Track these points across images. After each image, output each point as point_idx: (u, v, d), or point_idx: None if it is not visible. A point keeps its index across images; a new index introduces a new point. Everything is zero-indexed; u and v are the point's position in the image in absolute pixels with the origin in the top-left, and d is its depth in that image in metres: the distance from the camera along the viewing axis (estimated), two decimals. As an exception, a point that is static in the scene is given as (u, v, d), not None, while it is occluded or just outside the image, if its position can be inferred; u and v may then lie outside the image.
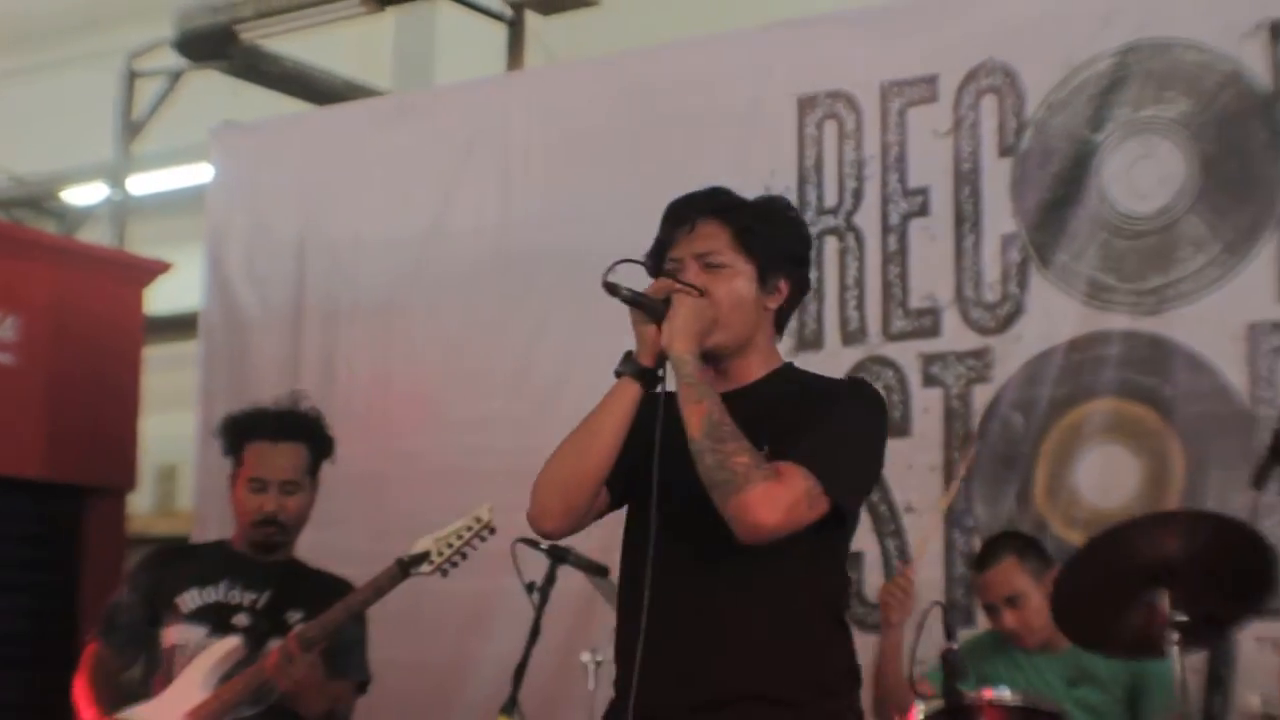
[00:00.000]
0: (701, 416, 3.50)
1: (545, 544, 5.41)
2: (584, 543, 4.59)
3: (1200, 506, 5.79)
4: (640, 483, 3.63)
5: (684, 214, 3.75)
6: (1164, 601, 4.69)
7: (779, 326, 3.84)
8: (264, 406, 5.58)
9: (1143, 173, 6.06)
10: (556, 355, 7.01)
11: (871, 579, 6.30)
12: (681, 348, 3.56)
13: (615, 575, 5.83)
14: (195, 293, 8.13)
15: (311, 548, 5.58)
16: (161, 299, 8.32)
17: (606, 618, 6.20)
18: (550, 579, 5.49)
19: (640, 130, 7.02)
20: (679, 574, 3.59)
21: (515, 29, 8.37)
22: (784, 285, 3.77)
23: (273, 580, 5.34)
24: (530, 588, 5.45)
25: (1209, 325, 5.92)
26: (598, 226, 6.86)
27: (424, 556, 5.17)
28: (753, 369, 3.77)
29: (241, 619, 5.27)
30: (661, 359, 3.61)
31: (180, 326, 8.61)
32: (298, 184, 7.88)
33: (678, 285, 3.61)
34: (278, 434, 5.37)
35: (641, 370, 3.64)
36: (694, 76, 6.98)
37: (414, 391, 7.44)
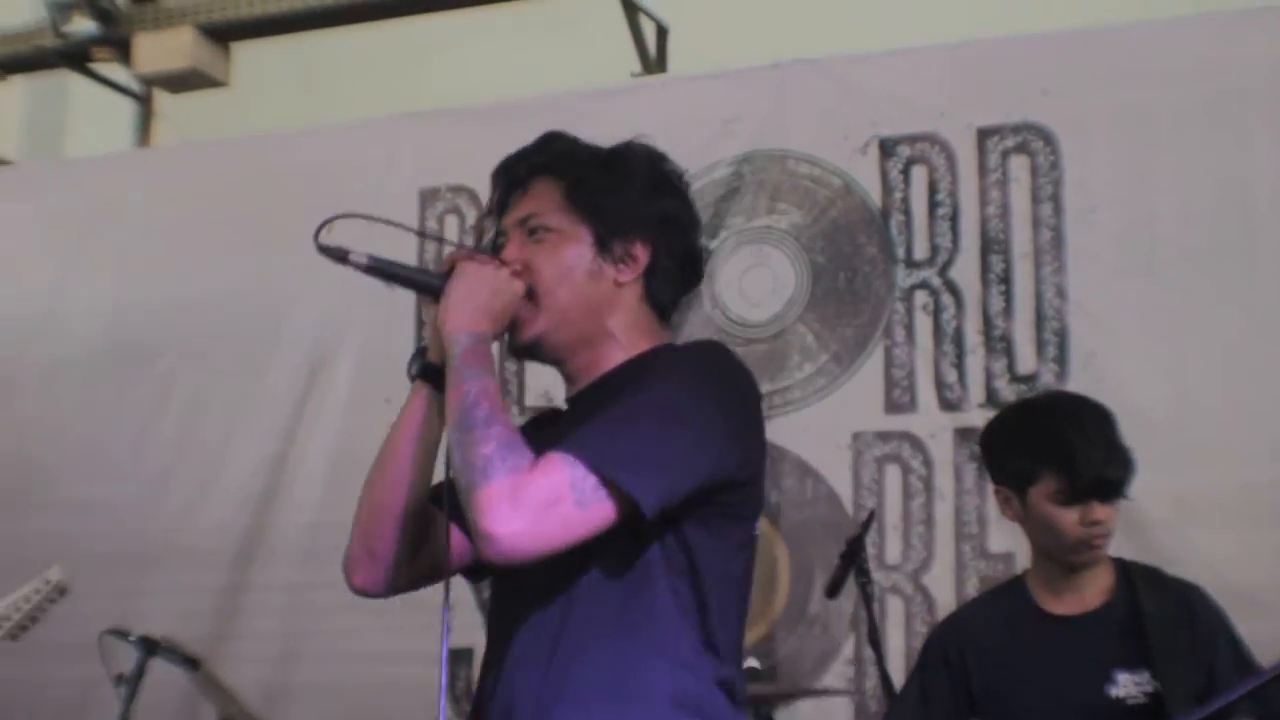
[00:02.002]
0: (456, 403, 2.72)
1: (134, 636, 5.28)
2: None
3: (803, 609, 5.90)
4: None
5: (512, 169, 3.05)
6: None
7: (659, 304, 3.01)
8: None
9: (755, 281, 6.16)
10: (169, 439, 6.86)
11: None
12: (455, 324, 2.80)
13: (210, 668, 5.79)
14: None
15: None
16: None
17: (208, 713, 6.15)
18: (139, 671, 5.35)
19: (263, 215, 6.91)
20: (505, 622, 2.88)
21: (144, 106, 8.21)
22: (640, 250, 2.95)
23: None
24: (119, 680, 5.30)
25: (815, 433, 6.02)
26: (218, 310, 6.77)
27: None
28: (605, 360, 2.95)
29: None
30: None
31: None
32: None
33: (464, 255, 2.92)
34: None
35: (427, 367, 2.93)
36: (319, 163, 6.91)
37: (25, 469, 7.22)
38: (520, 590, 2.81)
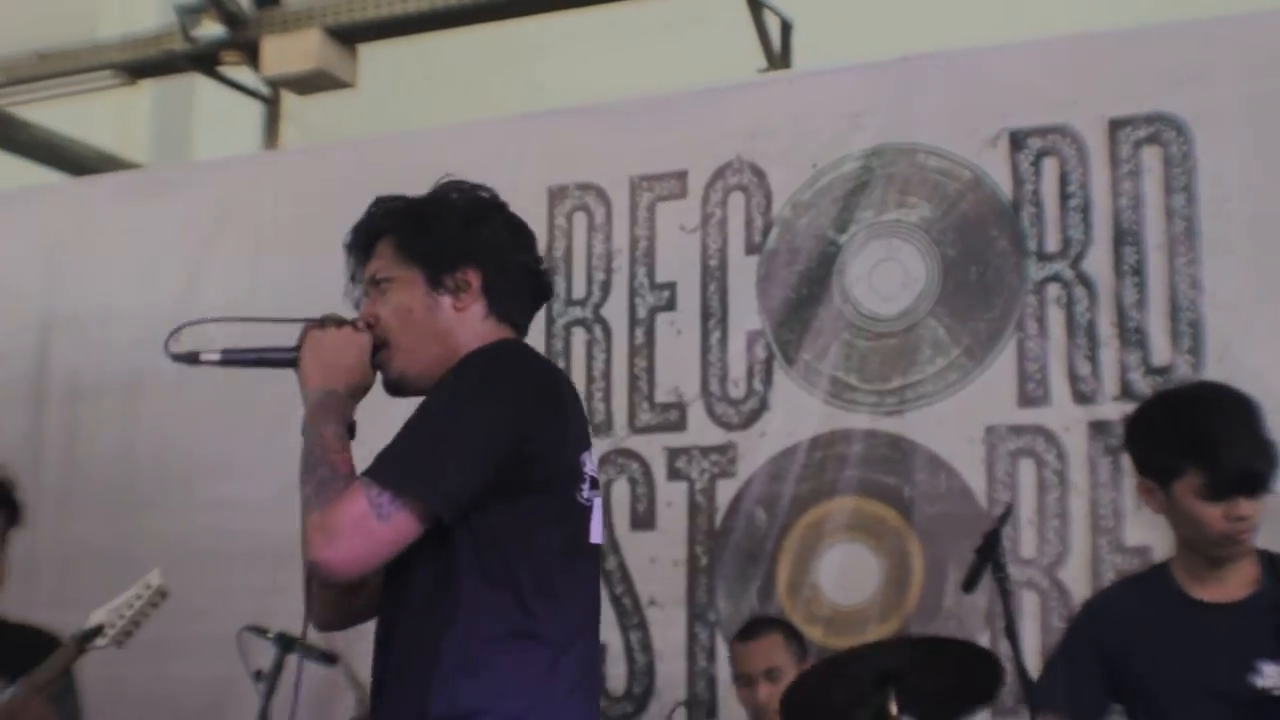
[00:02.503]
0: (301, 455, 3.19)
1: (272, 633, 5.34)
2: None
3: (938, 604, 5.89)
4: None
5: (358, 238, 3.47)
6: (892, 702, 4.75)
7: (509, 318, 3.41)
8: None
9: (885, 275, 6.15)
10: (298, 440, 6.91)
11: (615, 672, 6.30)
12: (307, 385, 3.31)
13: (346, 662, 5.84)
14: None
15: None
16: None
17: (345, 708, 6.20)
18: (277, 667, 5.42)
19: (392, 214, 6.96)
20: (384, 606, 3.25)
21: (271, 108, 8.29)
22: (471, 275, 3.35)
23: None
24: (257, 676, 5.37)
25: (948, 427, 6.01)
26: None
27: (98, 630, 5.05)
28: None
29: None
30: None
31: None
32: (43, 256, 7.71)
33: (313, 324, 3.37)
34: None
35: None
36: (445, 163, 6.80)
37: (159, 469, 7.30)
38: (385, 590, 3.22)
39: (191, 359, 3.38)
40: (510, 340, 3.38)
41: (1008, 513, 5.05)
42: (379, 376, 3.37)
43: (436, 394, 3.17)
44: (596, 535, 3.33)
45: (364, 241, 3.44)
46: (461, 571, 3.10)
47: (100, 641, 5.05)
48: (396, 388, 3.35)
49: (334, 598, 3.37)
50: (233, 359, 3.43)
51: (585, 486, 3.28)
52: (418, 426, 3.10)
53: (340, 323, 3.35)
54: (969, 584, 4.82)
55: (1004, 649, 5.62)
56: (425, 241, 3.36)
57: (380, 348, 3.33)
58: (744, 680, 5.57)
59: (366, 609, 3.37)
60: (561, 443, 3.22)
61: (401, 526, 3.01)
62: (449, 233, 3.38)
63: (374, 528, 2.99)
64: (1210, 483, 3.91)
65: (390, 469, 3.04)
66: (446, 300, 3.33)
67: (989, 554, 4.75)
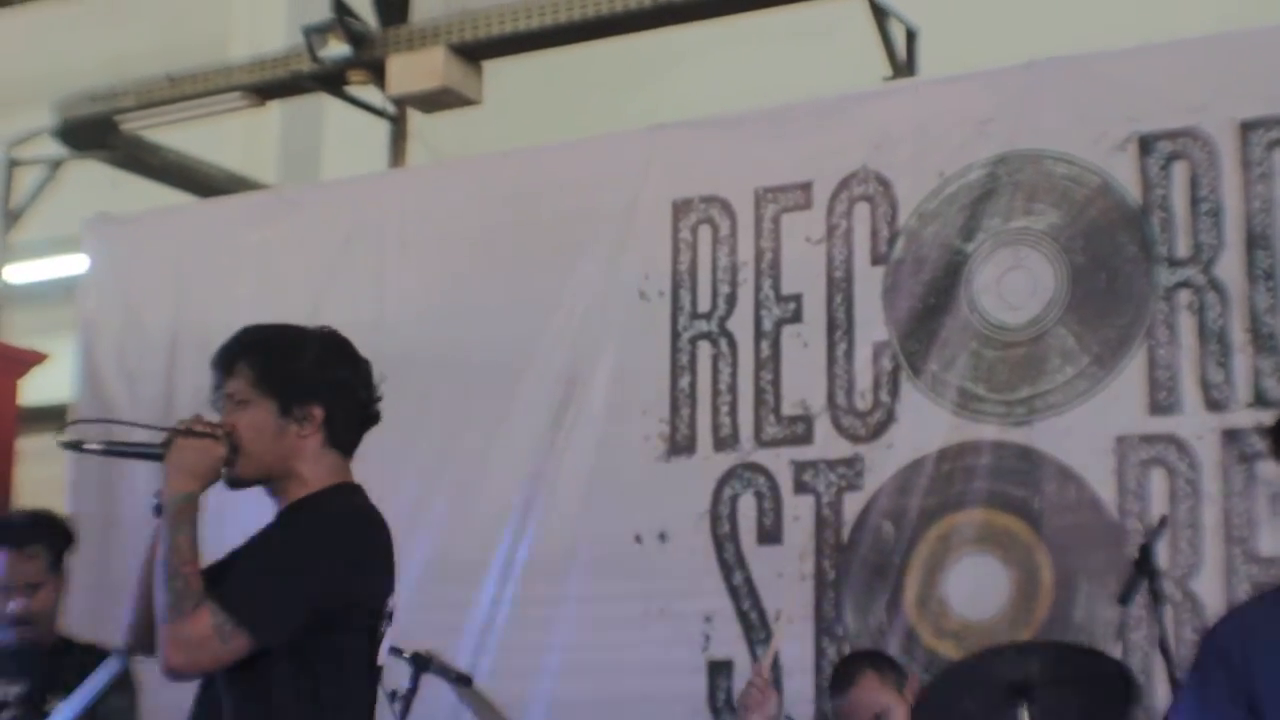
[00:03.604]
0: (158, 554, 3.69)
1: (408, 653, 5.37)
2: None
3: (1068, 617, 5.80)
4: None
5: (221, 358, 3.93)
6: (1024, 716, 4.68)
7: (341, 445, 3.95)
8: (6, 517, 6.27)
9: (1013, 284, 6.08)
10: (429, 456, 6.93)
11: (740, 687, 6.23)
12: (169, 488, 3.73)
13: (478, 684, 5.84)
14: (71, 384, 8.01)
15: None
16: (38, 390, 8.19)
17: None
18: (413, 688, 5.43)
19: (517, 230, 6.98)
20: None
21: (398, 126, 8.33)
22: (316, 412, 3.88)
23: (29, 667, 5.48)
24: (392, 697, 5.37)
25: (1077, 437, 5.93)
26: (471, 326, 6.85)
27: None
28: (293, 494, 3.88)
29: (5, 715, 5.42)
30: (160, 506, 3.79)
31: (56, 418, 8.46)
32: (172, 277, 7.78)
33: (179, 429, 3.81)
34: (14, 541, 5.59)
35: (158, 508, 3.78)
36: (571, 178, 6.97)
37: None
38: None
39: (76, 447, 4.05)
40: (344, 487, 3.94)
41: (1163, 524, 4.96)
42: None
43: (283, 535, 3.82)
44: (382, 659, 3.99)
45: (227, 361, 3.92)
46: (275, 684, 3.74)
47: None
48: (235, 484, 3.89)
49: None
50: (112, 450, 4.05)
51: (384, 623, 3.94)
52: (261, 567, 3.76)
53: (201, 433, 3.81)
54: (1125, 597, 4.75)
55: (1136, 661, 5.60)
56: (285, 375, 3.88)
57: (232, 453, 3.84)
58: None
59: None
60: (375, 594, 3.90)
61: (237, 649, 3.64)
62: (304, 370, 3.91)
63: (216, 647, 3.62)
64: None
65: (235, 600, 3.65)
66: (293, 428, 3.87)
67: (1145, 566, 4.67)
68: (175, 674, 3.66)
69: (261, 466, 3.86)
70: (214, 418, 3.89)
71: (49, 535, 5.68)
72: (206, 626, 3.60)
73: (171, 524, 3.70)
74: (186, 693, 3.88)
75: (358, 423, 4.00)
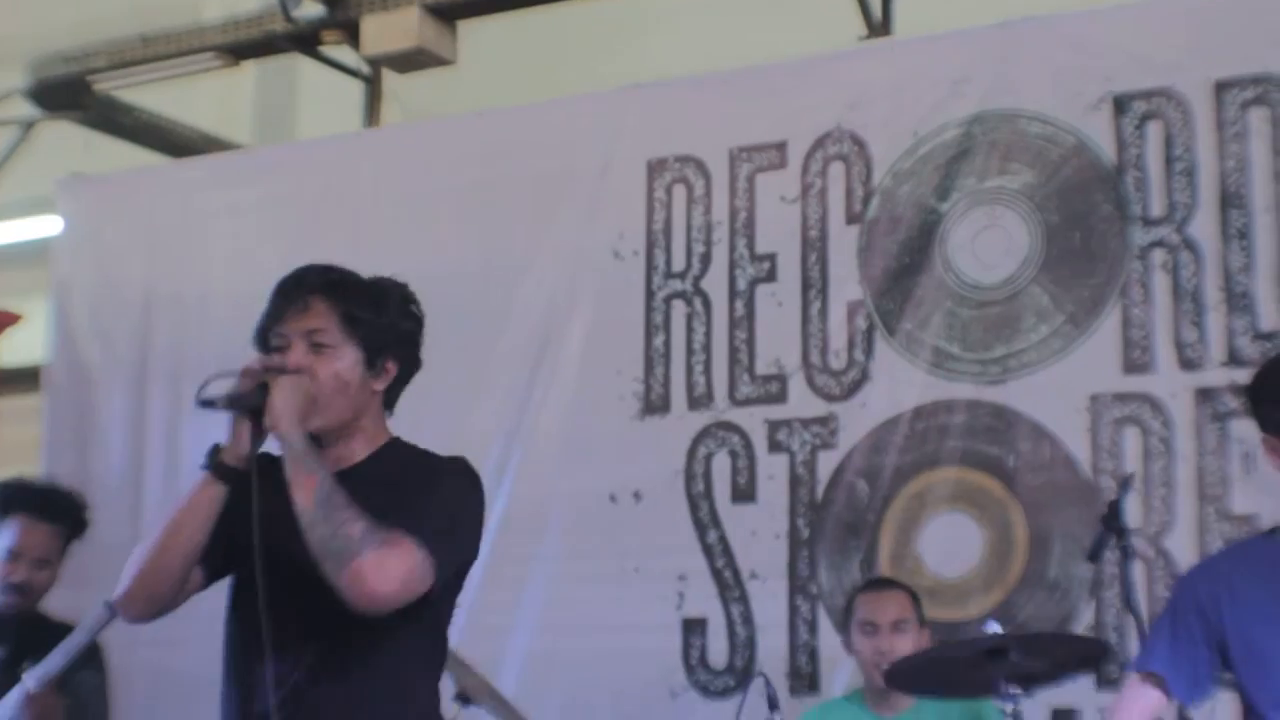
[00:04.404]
0: (313, 489, 3.46)
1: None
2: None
3: (1042, 575, 5.85)
4: (244, 558, 3.57)
5: (296, 291, 3.70)
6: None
7: (389, 404, 3.82)
8: (31, 481, 5.89)
9: (988, 243, 6.09)
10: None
11: (715, 644, 6.28)
12: (288, 425, 3.51)
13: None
14: (45, 345, 7.99)
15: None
16: (12, 351, 8.18)
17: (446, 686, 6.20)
18: None
19: (492, 191, 6.98)
20: (289, 648, 3.57)
21: (372, 86, 8.30)
22: (391, 366, 3.74)
23: (10, 633, 5.40)
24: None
25: (1052, 395, 5.95)
26: (446, 286, 6.80)
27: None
28: (357, 450, 3.72)
29: None
30: (252, 460, 3.57)
31: (31, 379, 8.46)
32: (145, 237, 7.78)
33: (271, 364, 3.60)
34: (42, 513, 5.53)
35: (227, 471, 3.58)
36: (545, 139, 6.96)
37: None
38: (296, 607, 3.55)
39: (211, 405, 3.56)
40: (402, 442, 3.82)
41: (1128, 481, 4.98)
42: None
43: (447, 484, 3.68)
44: None
45: (303, 294, 3.68)
46: (428, 649, 3.74)
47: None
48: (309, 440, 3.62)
49: (164, 594, 3.67)
50: (222, 404, 3.60)
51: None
52: (448, 508, 3.62)
53: (294, 371, 3.60)
54: (1094, 554, 4.78)
55: (1110, 619, 5.64)
56: (376, 324, 3.70)
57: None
58: (868, 628, 5.44)
59: (174, 605, 3.73)
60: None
61: (426, 587, 3.49)
62: (388, 323, 3.74)
63: (415, 583, 3.46)
64: None
65: (434, 537, 3.49)
66: (370, 381, 3.71)
67: (1113, 523, 4.69)
68: (381, 604, 3.44)
69: (336, 421, 3.65)
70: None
71: (72, 517, 5.61)
72: (413, 562, 3.44)
73: (314, 458, 3.50)
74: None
75: (407, 380, 3.85)
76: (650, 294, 6.59)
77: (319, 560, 3.43)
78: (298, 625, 3.56)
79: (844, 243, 6.31)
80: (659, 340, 6.56)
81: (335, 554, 3.41)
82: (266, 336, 3.69)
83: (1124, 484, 4.88)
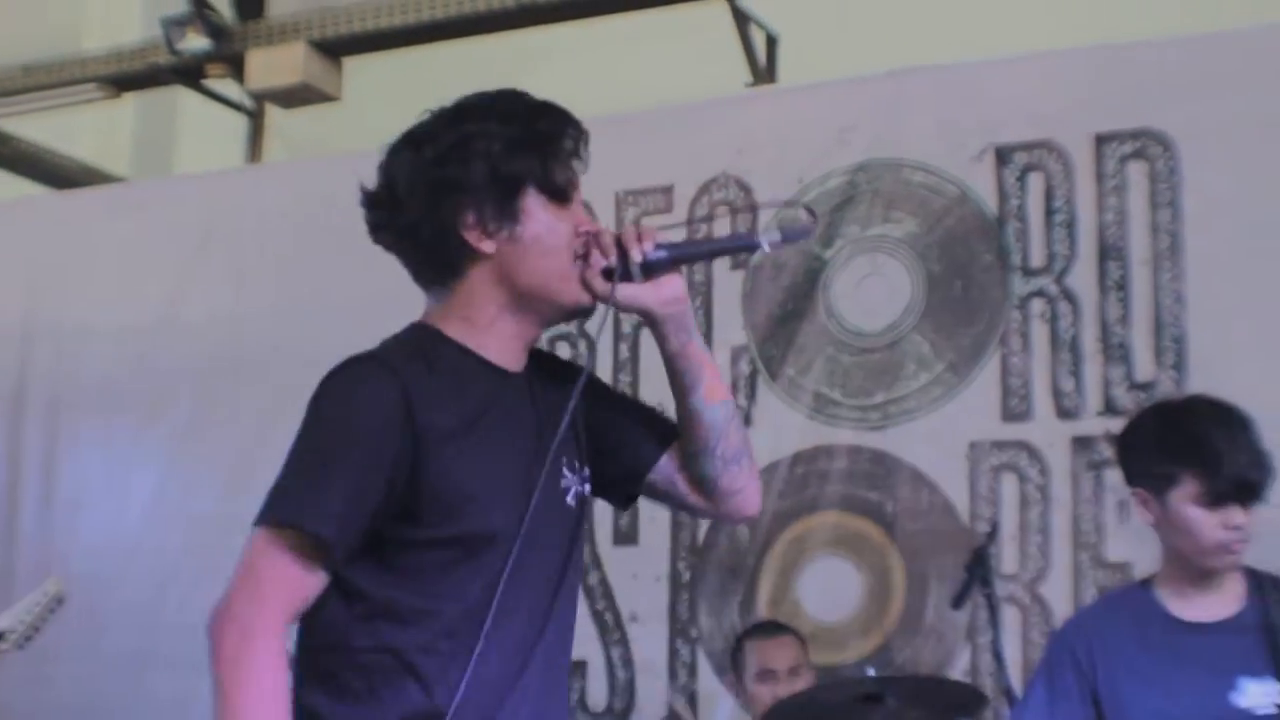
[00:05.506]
0: (716, 373, 3.05)
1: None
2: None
3: (919, 620, 5.89)
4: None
5: (582, 139, 3.09)
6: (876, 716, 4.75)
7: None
8: None
9: (870, 290, 6.14)
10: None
11: (595, 687, 6.27)
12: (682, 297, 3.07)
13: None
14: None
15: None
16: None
17: None
18: None
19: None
20: (526, 605, 2.89)
21: (256, 121, 8.28)
22: None
23: None
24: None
25: (932, 442, 6.00)
26: (331, 323, 6.79)
27: (1, 635, 5.13)
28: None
29: None
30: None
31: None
32: (23, 269, 7.71)
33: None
34: None
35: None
36: (432, 177, 6.93)
37: (141, 483, 7.28)
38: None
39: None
40: None
41: (995, 529, 5.05)
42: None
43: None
44: None
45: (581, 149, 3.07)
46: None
47: (3, 645, 5.13)
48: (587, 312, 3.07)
49: None
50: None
51: None
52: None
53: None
54: (958, 601, 4.81)
55: (985, 664, 5.69)
56: None
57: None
58: (767, 676, 5.48)
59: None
60: None
61: None
62: None
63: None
64: (1208, 490, 3.89)
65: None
66: None
67: (978, 571, 4.75)
68: (752, 518, 3.22)
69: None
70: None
71: None
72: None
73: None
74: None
75: None
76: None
77: (727, 462, 3.00)
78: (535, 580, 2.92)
79: (728, 288, 6.34)
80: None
81: (735, 457, 3.02)
82: (565, 185, 3.05)
83: (990, 533, 4.96)
